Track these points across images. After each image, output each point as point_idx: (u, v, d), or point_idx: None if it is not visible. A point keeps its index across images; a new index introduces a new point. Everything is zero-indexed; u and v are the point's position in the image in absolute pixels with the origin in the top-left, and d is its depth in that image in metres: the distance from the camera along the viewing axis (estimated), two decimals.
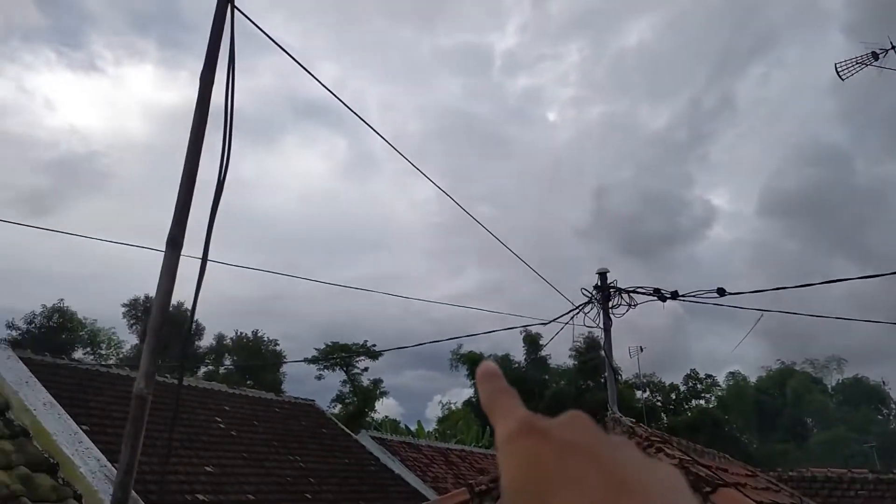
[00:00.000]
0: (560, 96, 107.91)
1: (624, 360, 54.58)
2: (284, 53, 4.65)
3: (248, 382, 44.66)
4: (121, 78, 79.48)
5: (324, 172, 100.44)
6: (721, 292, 5.84)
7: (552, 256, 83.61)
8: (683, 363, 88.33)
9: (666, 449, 4.62)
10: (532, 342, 58.27)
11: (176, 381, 4.29)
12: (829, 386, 60.25)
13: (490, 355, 61.56)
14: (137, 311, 46.63)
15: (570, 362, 57.53)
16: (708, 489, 4.04)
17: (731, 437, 55.37)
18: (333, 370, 51.65)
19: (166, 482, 9.21)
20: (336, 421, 16.13)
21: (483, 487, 4.71)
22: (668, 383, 62.27)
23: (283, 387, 48.26)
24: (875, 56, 16.18)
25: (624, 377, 59.05)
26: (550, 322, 7.09)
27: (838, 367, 59.26)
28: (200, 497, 9.14)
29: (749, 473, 7.46)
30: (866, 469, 12.55)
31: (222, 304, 71.90)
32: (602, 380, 57.09)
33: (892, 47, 16.07)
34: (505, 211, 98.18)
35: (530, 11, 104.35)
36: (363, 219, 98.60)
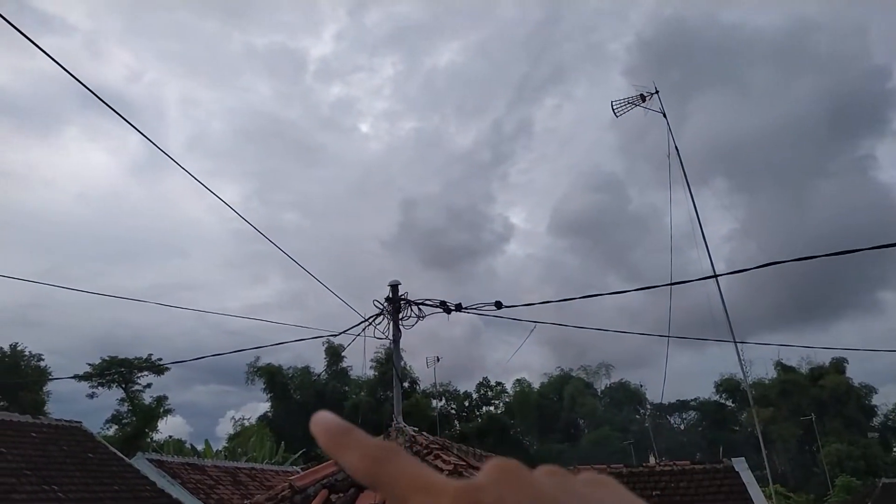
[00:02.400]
0: (373, 108, 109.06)
1: (423, 370, 56.24)
2: (63, 34, 4.11)
3: (2, 404, 38.70)
4: None
5: (110, 169, 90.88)
6: (498, 305, 6.26)
7: (359, 267, 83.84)
8: (478, 371, 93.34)
9: (443, 455, 4.78)
10: (334, 354, 57.78)
11: None
12: (599, 390, 67.35)
13: (289, 368, 59.85)
14: None
15: (372, 373, 57.87)
16: None
17: (515, 440, 59.48)
18: (109, 388, 46.65)
19: None
20: (106, 444, 14.55)
21: None
22: (462, 391, 65.34)
23: (46, 408, 42.49)
24: (643, 98, 18.48)
25: (422, 387, 60.88)
26: (341, 333, 7.06)
27: (607, 373, 66.59)
28: None
29: None
30: (623, 465, 14.21)
31: None
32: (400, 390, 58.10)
33: (656, 91, 18.50)
34: (313, 220, 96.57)
35: (347, 20, 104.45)
36: (155, 222, 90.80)
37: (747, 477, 12.82)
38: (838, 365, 57.87)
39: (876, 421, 59.13)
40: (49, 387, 45.66)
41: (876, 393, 58.46)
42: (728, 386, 60.91)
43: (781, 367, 60.26)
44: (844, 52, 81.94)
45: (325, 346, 57.31)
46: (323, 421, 0.43)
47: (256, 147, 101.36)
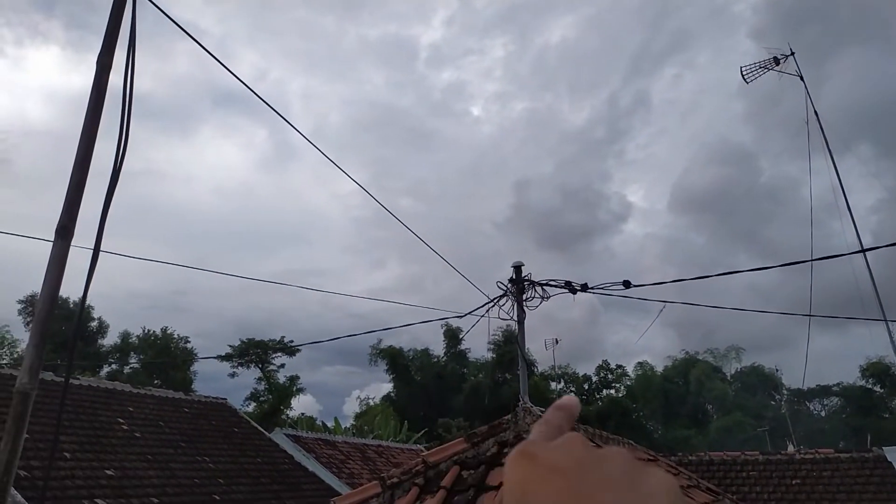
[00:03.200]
0: (484, 91, 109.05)
1: (541, 352, 55.96)
2: (196, 38, 4.45)
3: (156, 382, 42.76)
4: (21, 59, 74.08)
5: (241, 164, 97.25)
6: (626, 284, 6.08)
7: (473, 250, 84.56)
8: (597, 354, 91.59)
9: None
10: (452, 336, 58.81)
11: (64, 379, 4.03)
12: (729, 374, 63.96)
13: (410, 350, 61.64)
14: (34, 308, 43.74)
15: (489, 355, 58.39)
16: None
17: (638, 424, 57.89)
18: (248, 368, 50.25)
19: (62, 487, 8.68)
20: (249, 419, 15.70)
21: (395, 480, 4.69)
22: (581, 374, 64.41)
23: (193, 386, 46.51)
24: (776, 61, 17.14)
25: (540, 369, 60.64)
26: (466, 315, 7.16)
27: (737, 356, 63.05)
28: (99, 502, 8.68)
29: (651, 458, 7.77)
30: (758, 451, 13.45)
31: (128, 300, 68.49)
32: (518, 372, 58.23)
33: (792, 53, 17.11)
34: (427, 204, 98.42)
35: (456, 5, 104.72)
36: (282, 212, 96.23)
37: None
38: None
39: None
40: (195, 366, 49.99)
41: None
42: (876, 370, 55.78)
43: None
44: None
45: (444, 328, 58.45)
46: (569, 404, 0.52)
47: (372, 136, 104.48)
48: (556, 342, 48.27)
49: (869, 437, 15.00)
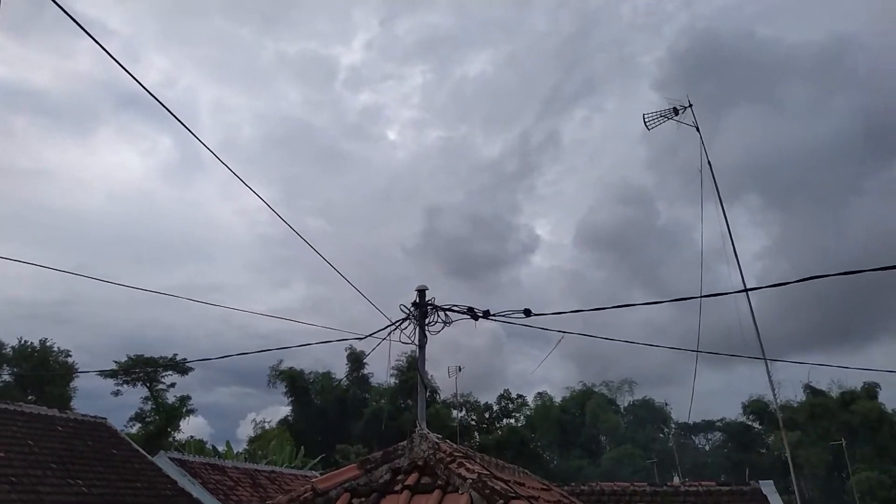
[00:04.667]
0: (401, 116, 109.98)
1: (444, 379, 56.02)
2: (101, 38, 4.17)
3: (30, 398, 39.41)
4: None
5: (142, 171, 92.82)
6: (527, 313, 6.17)
7: (381, 274, 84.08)
8: (499, 383, 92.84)
9: (467, 464, 4.70)
10: (355, 360, 57.91)
11: None
12: (622, 406, 66.38)
13: (311, 373, 60.13)
14: None
15: (392, 381, 57.86)
16: (501, 502, 4.16)
17: (535, 453, 58.84)
18: (134, 386, 47.26)
19: None
20: (130, 441, 14.69)
21: None
22: (482, 403, 64.93)
23: (72, 403, 43.19)
24: (676, 111, 18.17)
25: (442, 396, 60.68)
26: (366, 337, 7.03)
27: (630, 390, 65.61)
28: None
29: (544, 487, 7.84)
30: (646, 483, 13.94)
31: (4, 307, 63.11)
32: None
33: (690, 105, 18.21)
34: (337, 226, 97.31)
35: (377, 30, 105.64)
36: (184, 224, 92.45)
37: (776, 501, 12.46)
38: (871, 390, 56.29)
39: None
40: (75, 382, 46.48)
41: None
42: (756, 407, 59.56)
43: (811, 391, 58.83)
44: (882, 69, 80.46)
45: (348, 352, 57.55)
46: None
47: (284, 153, 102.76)
48: (459, 370, 48.58)
49: (747, 471, 15.87)
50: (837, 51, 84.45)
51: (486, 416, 65.17)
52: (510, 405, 65.62)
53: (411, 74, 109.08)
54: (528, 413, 64.26)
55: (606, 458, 56.08)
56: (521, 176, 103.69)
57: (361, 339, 7.08)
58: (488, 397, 67.70)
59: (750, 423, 62.01)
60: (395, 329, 6.91)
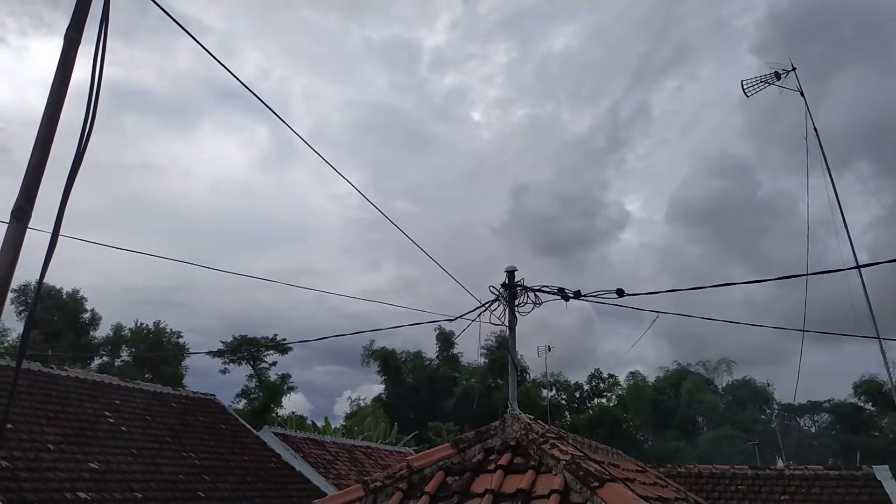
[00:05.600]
0: (485, 96, 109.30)
1: (533, 359, 55.90)
2: (198, 35, 4.39)
3: (147, 376, 42.56)
4: (25, 49, 74.02)
5: (240, 161, 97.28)
6: (620, 293, 6.05)
7: (469, 254, 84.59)
8: (590, 363, 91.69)
9: (560, 445, 4.69)
10: (445, 340, 58.75)
11: (15, 365, 3.94)
12: (720, 387, 63.99)
13: (402, 352, 61.59)
14: (27, 297, 43.53)
15: (482, 360, 58.29)
16: (595, 484, 4.13)
17: (628, 434, 57.87)
18: (240, 364, 50.07)
19: (44, 479, 8.58)
20: (237, 416, 15.60)
21: (378, 484, 4.63)
22: (573, 382, 64.39)
23: (184, 381, 46.31)
24: (777, 76, 17.12)
25: (532, 376, 60.64)
26: (457, 318, 7.11)
27: (728, 369, 63.07)
28: (82, 495, 8.57)
29: (639, 469, 7.72)
30: (747, 466, 13.41)
31: (123, 293, 68.20)
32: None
33: (793, 69, 17.10)
34: (424, 208, 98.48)
35: (460, 9, 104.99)
36: (280, 211, 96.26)
37: (891, 486, 11.67)
38: None
39: None
40: (187, 362, 49.76)
41: None
42: (868, 388, 55.76)
43: None
44: None
45: (437, 332, 58.43)
46: None
47: (372, 138, 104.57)
48: (549, 349, 48.31)
49: (858, 455, 14.99)
50: None
51: (577, 395, 64.60)
52: (601, 385, 64.72)
53: (495, 53, 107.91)
54: (619, 393, 63.18)
55: (704, 439, 54.32)
56: (610, 151, 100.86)
57: (452, 320, 7.18)
58: (579, 377, 67.02)
59: (861, 404, 58.18)
60: (485, 310, 6.94)
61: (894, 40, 78.94)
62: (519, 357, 58.58)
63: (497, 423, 5.23)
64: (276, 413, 45.02)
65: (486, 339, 52.73)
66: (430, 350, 62.70)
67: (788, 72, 17.10)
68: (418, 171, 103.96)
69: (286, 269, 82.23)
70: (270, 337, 49.11)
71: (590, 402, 64.30)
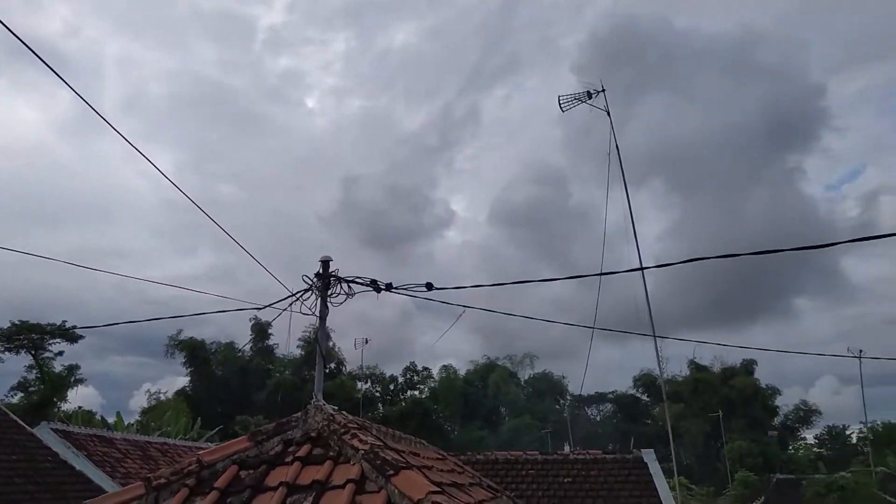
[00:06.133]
0: (322, 83, 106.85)
1: (350, 351, 55.89)
2: None
3: None
4: None
5: (37, 124, 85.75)
6: (429, 287, 6.24)
7: (295, 242, 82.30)
8: (407, 356, 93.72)
9: (360, 435, 4.73)
10: (260, 330, 56.59)
11: None
12: (523, 379, 68.67)
13: (213, 342, 58.34)
14: None
15: (298, 352, 57.02)
16: (391, 472, 4.22)
17: (437, 425, 60.01)
18: (18, 353, 44.07)
19: None
20: (7, 411, 13.78)
21: (162, 481, 4.33)
22: (388, 375, 65.34)
23: None
24: (589, 95, 18.70)
25: (349, 368, 60.55)
26: (266, 307, 6.89)
27: (531, 363, 67.93)
28: None
29: (439, 457, 8.01)
30: (538, 451, 14.59)
31: None
32: (326, 370, 57.56)
33: (603, 90, 18.76)
34: (252, 192, 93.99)
35: None
36: (82, 184, 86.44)
37: (654, 468, 13.34)
38: (748, 366, 61.02)
39: (777, 421, 62.71)
40: None
41: (780, 394, 62.04)
42: (645, 381, 63.25)
43: (695, 366, 63.06)
44: (787, 67, 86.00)
45: (252, 322, 56.11)
46: None
47: (196, 113, 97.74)
48: (366, 342, 48.61)
49: (632, 441, 16.87)
50: (748, 45, 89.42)
51: (391, 387, 65.65)
52: (415, 377, 66.37)
53: (334, 40, 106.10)
54: (432, 385, 65.27)
55: (505, 428, 57.98)
56: (441, 149, 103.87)
57: (261, 308, 6.94)
58: (395, 369, 68.19)
59: (639, 395, 65.84)
60: (297, 300, 6.80)
61: (692, 75, 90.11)
62: (336, 349, 58.22)
63: (299, 414, 5.15)
64: (60, 408, 40.38)
65: (303, 331, 51.68)
66: (245, 341, 60.20)
67: (599, 92, 18.75)
68: (247, 153, 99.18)
69: (86, 248, 74.17)
70: (59, 323, 43.86)
71: (403, 395, 65.68)
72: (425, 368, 66.34)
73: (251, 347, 60.03)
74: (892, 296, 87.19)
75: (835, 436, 63.48)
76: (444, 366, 66.02)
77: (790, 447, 62.17)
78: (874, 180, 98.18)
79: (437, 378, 65.43)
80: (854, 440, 60.25)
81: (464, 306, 6.96)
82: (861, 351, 29.78)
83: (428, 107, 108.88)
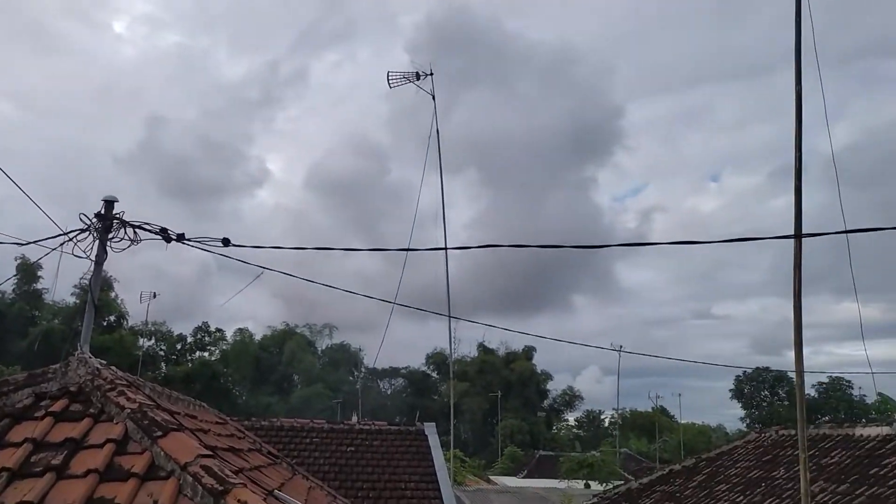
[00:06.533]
0: (133, 8, 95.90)
1: (136, 305, 51.46)
2: None
3: None
4: None
5: None
6: (225, 242, 5.90)
7: (84, 180, 73.45)
8: (201, 315, 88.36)
9: (128, 393, 4.40)
10: (27, 272, 50.01)
11: None
12: (320, 349, 68.45)
13: None
14: None
15: (73, 301, 51.51)
16: (158, 433, 3.99)
17: (225, 389, 57.80)
18: None
19: None
20: None
21: None
22: (176, 333, 61.37)
23: None
24: (418, 76, 18.86)
25: (131, 323, 55.81)
26: (30, 243, 6.08)
27: (330, 333, 67.91)
28: None
29: (219, 422, 7.74)
30: (325, 420, 14.70)
31: None
32: (104, 322, 52.47)
33: (431, 73, 19.01)
34: (38, 116, 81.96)
35: None
36: None
37: (434, 441, 14.08)
38: (528, 353, 66.65)
39: (546, 403, 69.42)
40: None
41: (552, 380, 68.68)
42: (437, 359, 66.32)
43: (484, 349, 67.47)
44: (595, 86, 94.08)
45: (18, 261, 49.41)
46: None
47: None
48: (154, 296, 45.06)
49: (418, 414, 17.67)
50: (566, 58, 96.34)
51: (178, 347, 61.83)
52: (206, 338, 63.17)
53: None
54: (224, 348, 62.60)
55: (296, 396, 57.48)
56: (263, 105, 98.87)
57: (23, 245, 6.11)
58: (186, 329, 64.23)
59: (429, 372, 68.96)
60: (70, 240, 6.07)
61: (515, 76, 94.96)
62: (118, 301, 53.38)
63: (58, 365, 4.64)
64: None
65: (82, 278, 46.58)
66: (8, 284, 52.93)
67: (427, 75, 19.02)
68: (34, 71, 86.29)
69: None
70: None
71: (191, 355, 62.21)
72: (219, 330, 63.40)
73: (14, 290, 53.04)
74: (652, 300, 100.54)
75: (591, 419, 71.64)
76: (239, 329, 63.62)
77: (554, 427, 69.16)
78: (652, 198, 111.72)
79: (230, 341, 62.87)
80: (607, 424, 68.57)
81: (262, 267, 6.72)
82: (621, 346, 33.81)
83: (253, 58, 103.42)
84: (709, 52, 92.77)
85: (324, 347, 68.34)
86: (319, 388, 56.75)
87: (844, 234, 7.08)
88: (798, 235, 6.45)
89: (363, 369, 67.72)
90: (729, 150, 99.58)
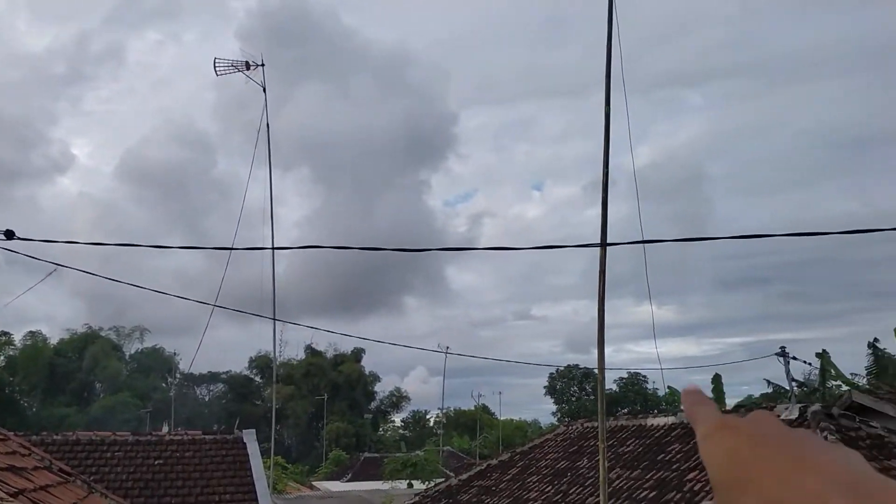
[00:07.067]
0: None
1: None
2: None
3: None
4: None
5: None
6: (9, 235, 5.16)
7: None
8: None
9: None
10: None
11: None
12: (128, 354, 62.80)
13: None
14: None
15: None
16: None
17: (11, 399, 51.13)
18: None
19: None
20: None
21: None
22: None
23: None
24: (248, 66, 17.90)
25: None
26: None
27: (141, 337, 62.51)
28: None
29: (1, 438, 6.91)
30: (129, 432, 13.49)
31: None
32: None
33: (262, 64, 18.13)
34: None
35: None
36: None
37: (252, 448, 13.49)
38: (357, 354, 66.42)
39: (373, 405, 69.60)
40: None
41: (380, 381, 68.98)
42: (261, 363, 63.71)
43: (311, 351, 66.12)
44: (430, 90, 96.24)
45: None
46: (692, 390, 0.54)
47: None
48: None
49: (238, 421, 16.83)
50: (402, 60, 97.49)
51: None
52: None
53: None
54: (12, 353, 55.21)
55: (98, 406, 52.32)
56: (69, 82, 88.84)
57: None
58: None
59: (252, 376, 66.16)
60: None
61: (350, 73, 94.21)
62: None
63: None
64: None
65: None
66: None
67: (258, 66, 18.15)
68: None
69: None
70: None
71: None
72: (4, 333, 55.77)
73: None
74: (479, 303, 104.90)
75: (417, 419, 73.08)
76: (30, 332, 56.44)
77: (381, 429, 69.58)
78: (481, 204, 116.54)
79: (19, 345, 55.61)
80: (432, 423, 70.33)
81: (56, 264, 5.99)
82: (448, 347, 34.84)
83: (59, 29, 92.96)
84: (536, 69, 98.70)
85: (133, 352, 62.87)
86: (126, 397, 52.03)
87: (642, 244, 7.89)
88: (603, 244, 7.06)
89: (178, 375, 63.21)
90: (551, 161, 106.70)
